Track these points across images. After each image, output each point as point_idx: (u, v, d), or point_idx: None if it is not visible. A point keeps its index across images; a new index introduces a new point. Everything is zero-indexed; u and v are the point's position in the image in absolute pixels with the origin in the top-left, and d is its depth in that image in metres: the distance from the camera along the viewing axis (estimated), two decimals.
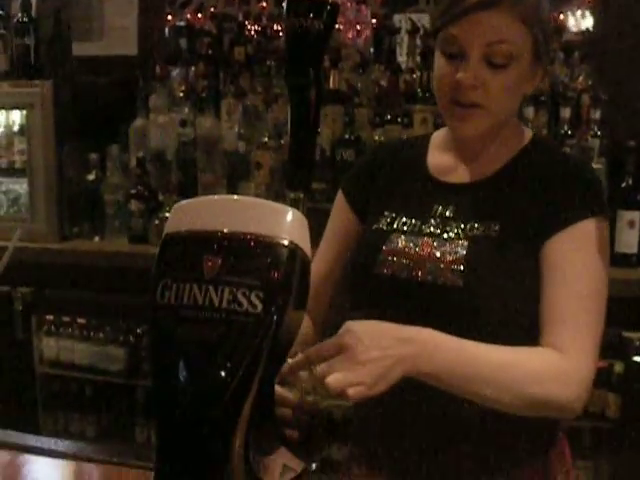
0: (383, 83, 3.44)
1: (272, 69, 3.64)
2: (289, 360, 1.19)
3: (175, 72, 3.76)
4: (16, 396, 3.44)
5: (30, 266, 3.37)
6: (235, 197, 1.01)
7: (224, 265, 0.94)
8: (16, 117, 3.67)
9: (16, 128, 3.67)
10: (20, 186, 3.69)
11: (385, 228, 1.54)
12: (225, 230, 0.96)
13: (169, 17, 4.05)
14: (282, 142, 3.43)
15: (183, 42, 3.93)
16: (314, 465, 1.23)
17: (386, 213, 1.56)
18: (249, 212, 0.99)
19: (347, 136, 3.35)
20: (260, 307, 0.92)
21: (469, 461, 1.47)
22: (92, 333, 3.58)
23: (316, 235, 1.47)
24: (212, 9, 4.10)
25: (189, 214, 1.01)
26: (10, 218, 3.69)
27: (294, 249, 0.97)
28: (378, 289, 1.51)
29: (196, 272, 0.95)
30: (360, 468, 1.61)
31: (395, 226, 1.53)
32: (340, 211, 1.67)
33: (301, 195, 1.14)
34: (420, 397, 1.40)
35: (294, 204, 1.13)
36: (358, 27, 3.70)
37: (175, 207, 1.02)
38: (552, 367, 1.35)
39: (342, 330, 1.24)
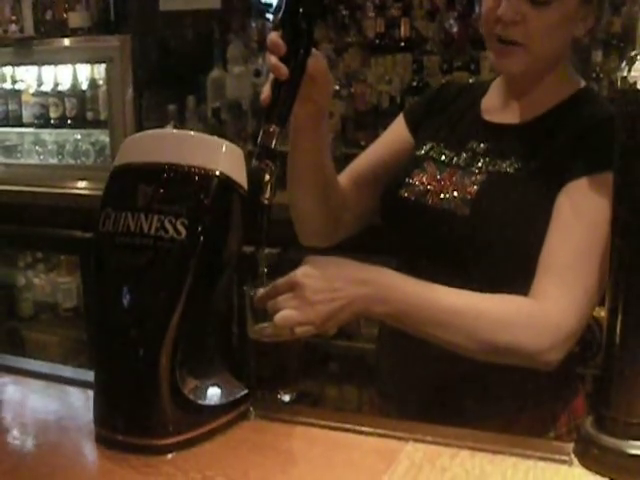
0: (454, 30, 3.41)
1: (346, 18, 3.65)
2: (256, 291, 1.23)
3: (252, 24, 3.82)
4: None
5: None
6: (175, 131, 1.08)
7: (156, 194, 1.01)
8: (101, 71, 3.81)
9: (101, 82, 3.81)
10: (106, 137, 3.85)
11: (422, 155, 1.57)
12: (160, 162, 1.02)
13: None
14: (352, 90, 3.46)
15: None
16: (288, 397, 1.28)
17: (428, 142, 1.59)
18: (186, 145, 1.05)
19: (415, 83, 3.35)
20: (184, 234, 0.98)
21: (472, 401, 1.47)
22: None
23: None
24: None
25: (134, 148, 1.08)
26: (97, 167, 3.85)
27: (225, 180, 1.03)
28: (398, 211, 1.54)
29: (131, 201, 1.02)
30: (374, 408, 1.64)
31: (430, 154, 1.56)
32: (397, 125, 1.70)
33: (277, 128, 1.18)
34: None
35: (267, 136, 1.18)
36: None
37: (124, 141, 1.09)
38: (522, 314, 1.30)
39: (300, 266, 1.24)
